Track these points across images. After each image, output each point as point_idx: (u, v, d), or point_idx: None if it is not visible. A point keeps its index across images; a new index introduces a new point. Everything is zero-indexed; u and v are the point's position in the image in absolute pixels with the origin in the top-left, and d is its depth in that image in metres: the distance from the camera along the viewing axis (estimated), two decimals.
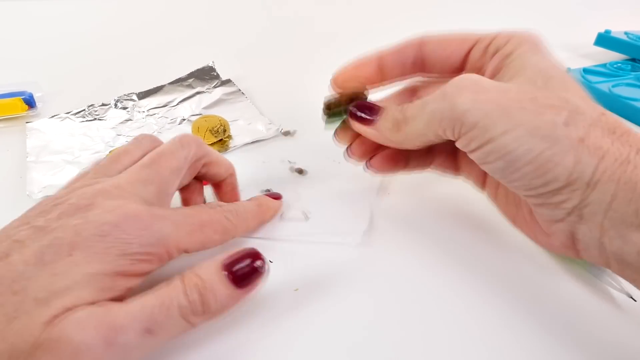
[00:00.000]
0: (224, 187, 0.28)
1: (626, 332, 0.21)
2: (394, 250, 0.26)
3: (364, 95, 0.27)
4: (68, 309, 0.17)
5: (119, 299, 0.18)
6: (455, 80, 0.21)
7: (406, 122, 0.23)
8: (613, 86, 0.43)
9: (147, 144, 0.25)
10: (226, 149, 0.36)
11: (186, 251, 0.22)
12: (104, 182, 0.21)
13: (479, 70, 0.24)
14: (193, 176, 0.26)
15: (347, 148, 0.29)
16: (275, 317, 0.22)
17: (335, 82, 0.27)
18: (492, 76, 0.23)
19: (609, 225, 0.19)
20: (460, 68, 0.25)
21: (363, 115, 0.25)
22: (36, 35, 0.63)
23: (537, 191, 0.20)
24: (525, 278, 0.24)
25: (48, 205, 0.20)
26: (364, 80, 0.27)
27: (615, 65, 0.48)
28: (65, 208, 0.20)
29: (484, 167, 0.21)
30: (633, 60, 0.51)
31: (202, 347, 0.21)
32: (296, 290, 0.24)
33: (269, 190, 0.31)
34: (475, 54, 0.24)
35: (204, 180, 0.28)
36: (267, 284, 0.23)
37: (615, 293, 0.23)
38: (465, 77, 0.21)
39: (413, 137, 0.23)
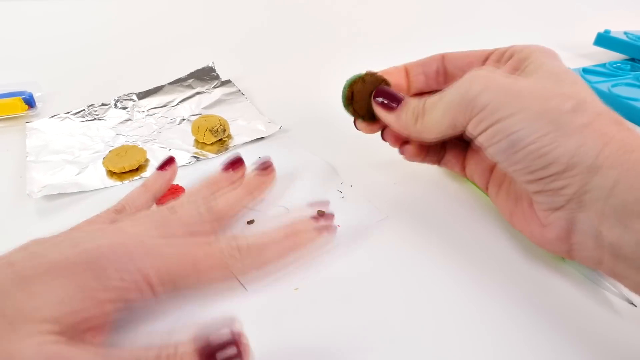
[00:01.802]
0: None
1: (627, 337, 0.21)
2: (394, 249, 0.26)
3: (388, 82, 0.28)
4: (33, 336, 0.16)
5: (93, 325, 0.18)
6: (469, 72, 0.23)
7: (424, 113, 0.25)
8: (612, 86, 0.43)
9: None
10: (226, 149, 0.36)
11: (176, 287, 0.20)
12: (108, 225, 0.23)
13: None
14: None
15: (382, 131, 0.30)
16: (275, 317, 0.22)
17: None
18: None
19: (609, 212, 0.19)
20: None
21: (386, 101, 0.27)
22: (36, 35, 0.63)
23: (536, 175, 0.21)
24: (524, 281, 0.24)
25: (49, 239, 0.21)
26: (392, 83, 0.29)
27: (614, 65, 0.48)
28: (62, 239, 0.20)
29: (489, 151, 0.22)
30: (632, 60, 0.51)
31: None
32: (296, 290, 0.24)
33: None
34: (491, 61, 0.26)
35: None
36: (267, 284, 0.23)
37: (614, 298, 0.23)
38: (479, 69, 0.23)
39: (430, 128, 0.25)
